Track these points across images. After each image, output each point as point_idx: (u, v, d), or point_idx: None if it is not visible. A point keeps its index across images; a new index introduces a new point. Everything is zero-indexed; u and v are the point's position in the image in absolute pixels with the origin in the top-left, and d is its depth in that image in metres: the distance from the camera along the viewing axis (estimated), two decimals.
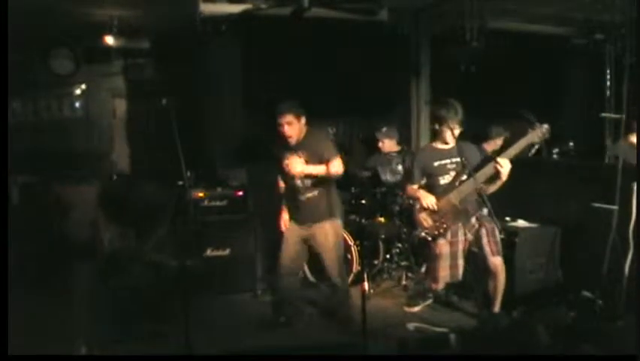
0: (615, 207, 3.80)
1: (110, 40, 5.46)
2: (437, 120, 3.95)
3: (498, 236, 3.88)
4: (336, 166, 3.79)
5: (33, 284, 4.52)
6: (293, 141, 3.88)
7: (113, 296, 4.16)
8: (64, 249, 5.16)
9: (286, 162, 3.84)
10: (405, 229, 5.04)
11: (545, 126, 3.65)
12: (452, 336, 3.23)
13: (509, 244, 4.26)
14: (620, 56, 5.13)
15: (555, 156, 5.52)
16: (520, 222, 4.54)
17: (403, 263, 5.03)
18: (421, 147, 3.97)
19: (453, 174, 3.92)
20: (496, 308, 3.96)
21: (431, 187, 4.00)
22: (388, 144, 5.43)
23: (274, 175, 6.43)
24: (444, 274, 4.00)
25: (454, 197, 3.87)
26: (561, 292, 4.18)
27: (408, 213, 5.05)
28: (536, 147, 4.39)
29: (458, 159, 3.88)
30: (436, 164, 3.95)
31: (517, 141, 3.72)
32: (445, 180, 3.94)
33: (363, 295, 3.29)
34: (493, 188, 3.80)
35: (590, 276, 3.95)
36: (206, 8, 4.66)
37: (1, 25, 2.88)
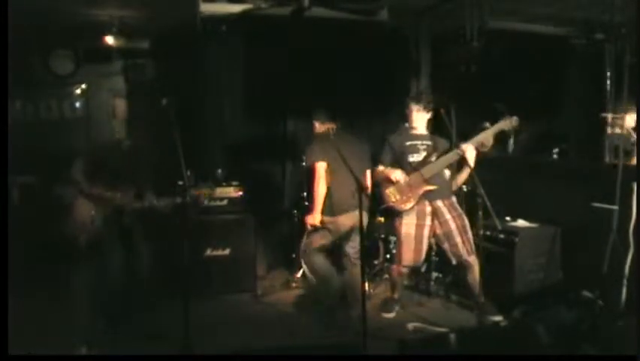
0: (615, 207, 3.80)
1: (110, 40, 5.46)
2: (407, 107, 4.21)
3: (470, 232, 3.98)
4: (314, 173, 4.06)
5: (33, 284, 4.53)
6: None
7: (112, 295, 4.15)
8: (64, 249, 5.16)
9: None
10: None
11: (515, 118, 3.91)
12: (452, 336, 3.23)
13: (509, 244, 4.27)
14: (620, 55, 5.12)
15: (555, 156, 5.53)
16: (520, 222, 4.54)
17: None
18: (391, 133, 4.27)
19: (424, 153, 4.08)
20: (481, 298, 4.04)
21: (401, 165, 4.11)
22: None
23: (274, 175, 6.44)
24: (407, 256, 4.10)
25: (425, 172, 3.99)
26: (561, 292, 4.18)
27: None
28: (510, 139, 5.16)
29: (430, 143, 4.11)
30: (407, 143, 4.13)
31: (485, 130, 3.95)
32: (414, 158, 4.09)
33: (363, 295, 3.30)
34: (462, 177, 4.03)
35: (590, 276, 3.95)
36: (206, 8, 4.66)
37: (1, 25, 2.88)
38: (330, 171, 4.09)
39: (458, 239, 3.99)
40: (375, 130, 5.99)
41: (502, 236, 4.32)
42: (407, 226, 4.07)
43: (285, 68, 5.66)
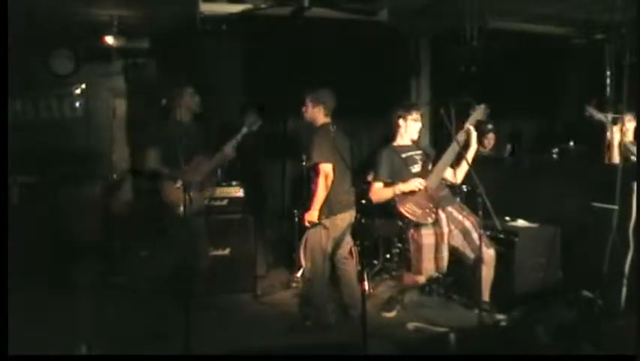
0: (615, 207, 3.80)
1: (110, 40, 5.46)
2: (400, 117, 4.16)
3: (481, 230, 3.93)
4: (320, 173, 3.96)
5: (33, 284, 4.53)
6: (306, 121, 4.22)
7: (113, 295, 4.17)
8: (64, 249, 5.16)
9: None
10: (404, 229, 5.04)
11: (482, 105, 4.04)
12: (452, 336, 3.23)
13: (509, 244, 4.27)
14: (620, 56, 5.12)
15: (555, 156, 5.52)
16: (520, 222, 4.54)
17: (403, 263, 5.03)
18: (382, 148, 4.20)
19: (421, 163, 4.10)
20: (487, 298, 4.02)
21: (404, 179, 4.03)
22: None
23: (274, 175, 6.42)
24: (429, 266, 4.03)
25: (431, 181, 3.99)
26: (561, 292, 4.18)
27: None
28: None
29: (421, 152, 4.15)
30: (404, 155, 4.11)
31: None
32: (415, 169, 4.09)
33: (363, 295, 3.29)
34: (463, 172, 4.08)
35: (590, 276, 3.95)
36: (206, 8, 4.67)
37: (1, 25, 2.88)
38: (332, 171, 4.05)
39: (475, 235, 3.95)
40: (375, 130, 6.00)
41: (502, 236, 4.32)
42: (427, 236, 3.99)
43: (285, 68, 5.66)
